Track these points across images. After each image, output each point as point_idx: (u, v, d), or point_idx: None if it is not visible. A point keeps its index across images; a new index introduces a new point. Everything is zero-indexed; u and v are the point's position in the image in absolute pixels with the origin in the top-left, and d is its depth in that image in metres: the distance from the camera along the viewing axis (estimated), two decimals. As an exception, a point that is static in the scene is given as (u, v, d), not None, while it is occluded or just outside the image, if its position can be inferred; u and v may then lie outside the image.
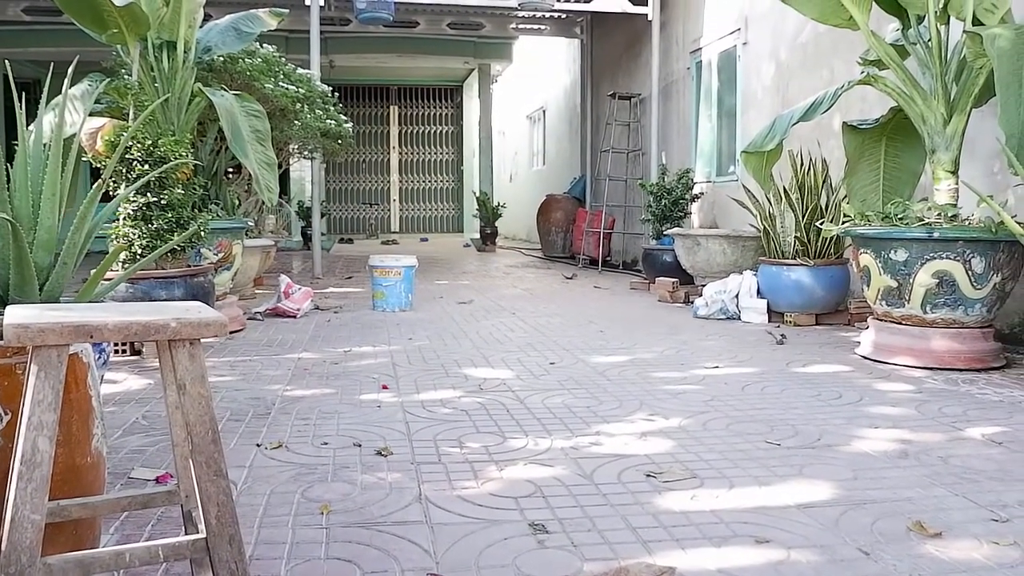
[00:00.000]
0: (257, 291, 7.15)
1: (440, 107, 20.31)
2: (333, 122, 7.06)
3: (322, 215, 10.11)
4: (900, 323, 4.10)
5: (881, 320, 4.24)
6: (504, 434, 2.81)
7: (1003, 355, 4.07)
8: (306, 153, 8.07)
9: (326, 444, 2.69)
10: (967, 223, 4.04)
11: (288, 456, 2.56)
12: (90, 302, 1.84)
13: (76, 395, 1.60)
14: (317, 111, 6.81)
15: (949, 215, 4.08)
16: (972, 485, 2.28)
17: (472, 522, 2.00)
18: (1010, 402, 3.29)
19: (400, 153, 20.26)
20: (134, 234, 4.12)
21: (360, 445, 2.67)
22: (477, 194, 15.29)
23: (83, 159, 4.38)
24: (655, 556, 1.81)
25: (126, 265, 4.13)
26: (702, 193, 8.40)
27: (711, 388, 3.55)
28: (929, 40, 4.17)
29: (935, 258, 3.91)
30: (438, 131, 20.31)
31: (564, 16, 12.07)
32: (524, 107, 17.40)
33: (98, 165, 4.21)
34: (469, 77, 18.12)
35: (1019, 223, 3.76)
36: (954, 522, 2.00)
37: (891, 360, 4.05)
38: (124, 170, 4.09)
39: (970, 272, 3.88)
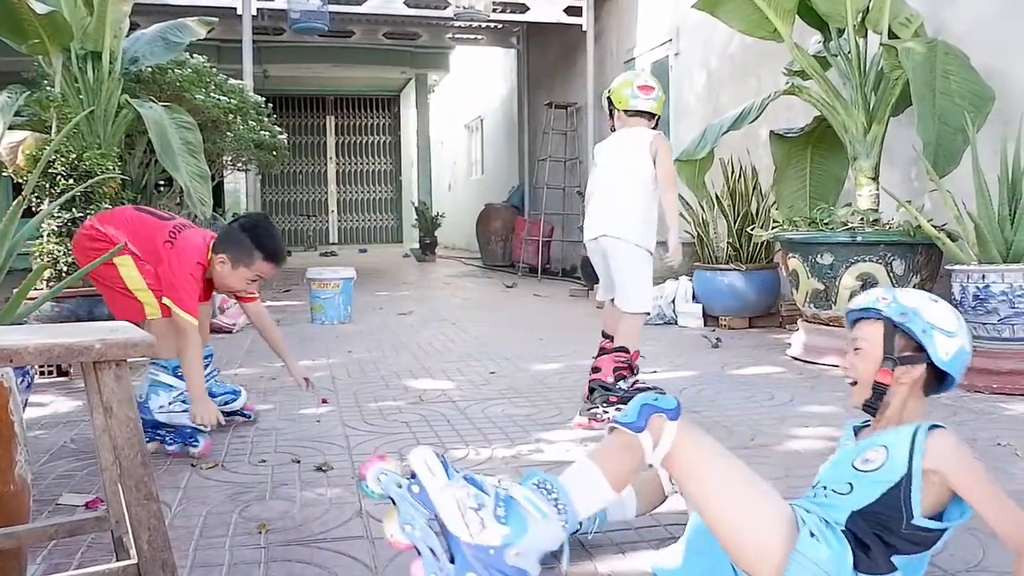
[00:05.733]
0: (191, 306, 6.96)
1: (377, 117, 20.19)
2: (267, 133, 6.95)
3: (258, 227, 9.91)
4: (828, 324, 4.25)
5: (810, 322, 4.38)
6: (445, 445, 2.81)
7: (924, 353, 4.24)
8: (240, 165, 7.92)
9: (264, 462, 2.65)
10: (888, 227, 4.21)
11: (224, 475, 2.51)
12: (12, 323, 1.78)
13: (-3, 421, 1.54)
14: (250, 122, 6.69)
15: (871, 220, 4.24)
16: (896, 479, 2.37)
17: (413, 535, 2.00)
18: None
19: (337, 164, 20.06)
20: (59, 251, 4.00)
21: (299, 461, 2.64)
22: (416, 204, 15.24)
23: (3, 174, 4.22)
24: (598, 562, 1.84)
25: (51, 284, 4.00)
26: (638, 201, 8.53)
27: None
28: (849, 52, 4.35)
29: (859, 261, 4.07)
30: (376, 141, 20.19)
31: (500, 26, 12.15)
32: (462, 116, 17.42)
33: (19, 180, 4.07)
34: (406, 87, 18.07)
35: (935, 226, 3.94)
36: (879, 516, 2.08)
37: (820, 360, 4.19)
38: (47, 185, 3.97)
39: (891, 274, 4.04)
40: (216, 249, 2.81)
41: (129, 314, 2.77)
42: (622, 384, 3.21)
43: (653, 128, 3.38)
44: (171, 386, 2.82)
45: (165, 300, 2.73)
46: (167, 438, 2.78)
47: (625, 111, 3.35)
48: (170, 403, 2.79)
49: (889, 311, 1.58)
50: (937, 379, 1.60)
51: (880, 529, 1.47)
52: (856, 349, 1.63)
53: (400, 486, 1.50)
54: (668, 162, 3.27)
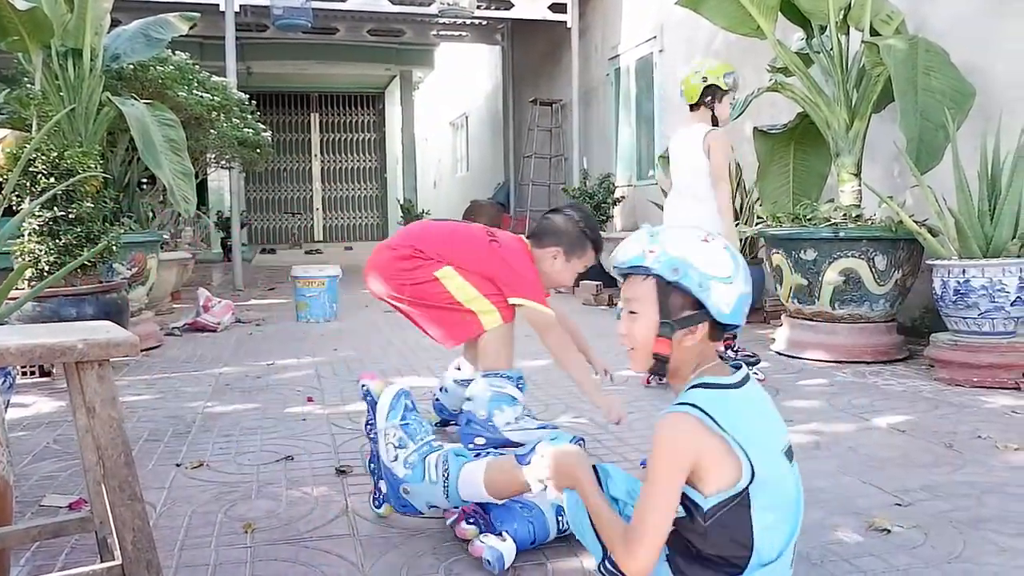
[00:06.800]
0: (175, 305, 6.94)
1: (362, 114, 20.11)
2: (251, 131, 6.92)
3: (243, 225, 9.89)
4: (811, 319, 4.28)
5: (794, 317, 4.41)
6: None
7: (906, 347, 4.28)
8: (224, 162, 7.88)
9: (249, 461, 2.64)
10: (870, 223, 4.24)
11: (210, 475, 2.50)
12: (-8, 324, 1.76)
13: (-22, 422, 1.53)
14: (234, 119, 6.66)
15: (853, 215, 4.28)
16: (878, 473, 2.40)
17: (400, 533, 2.00)
18: (912, 392, 3.48)
19: (322, 161, 19.98)
20: (40, 250, 3.95)
21: (291, 458, 2.63)
22: (401, 201, 15.21)
23: (-18, 172, 4.17)
24: (583, 558, 1.85)
25: (33, 283, 3.96)
26: (623, 197, 8.56)
27: (634, 390, 3.62)
28: (831, 49, 4.37)
29: (841, 256, 4.10)
30: (360, 138, 20.12)
31: (485, 23, 12.14)
32: (447, 113, 17.40)
33: (-1, 179, 4.03)
34: (391, 84, 18.01)
35: (916, 222, 3.98)
36: (862, 508, 2.11)
37: (804, 355, 4.22)
38: (28, 183, 3.92)
39: (873, 269, 4.07)
40: (545, 243, 2.63)
41: (461, 331, 2.58)
42: (730, 353, 3.61)
43: (717, 104, 3.73)
44: (515, 399, 2.58)
45: (514, 300, 2.52)
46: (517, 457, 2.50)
47: (690, 107, 3.78)
48: (517, 418, 2.55)
49: (660, 268, 1.36)
50: (722, 325, 1.41)
51: (693, 537, 1.34)
52: (630, 312, 1.42)
53: (368, 407, 2.13)
54: (717, 158, 3.63)
